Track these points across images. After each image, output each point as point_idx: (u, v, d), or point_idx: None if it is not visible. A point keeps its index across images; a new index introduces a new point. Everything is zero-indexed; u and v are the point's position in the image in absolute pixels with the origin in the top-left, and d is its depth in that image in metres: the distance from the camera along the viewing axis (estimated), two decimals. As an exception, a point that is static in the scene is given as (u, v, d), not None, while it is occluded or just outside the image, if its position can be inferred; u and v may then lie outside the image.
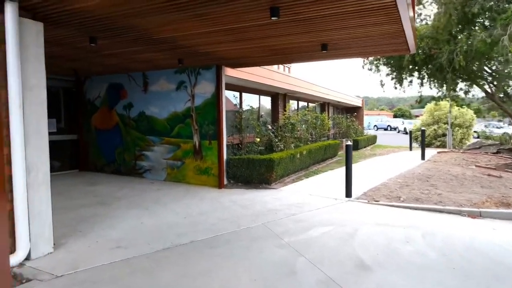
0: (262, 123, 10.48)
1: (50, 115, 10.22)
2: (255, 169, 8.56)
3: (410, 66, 12.56)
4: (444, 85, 12.62)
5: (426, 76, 12.97)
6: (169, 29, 5.19)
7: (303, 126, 11.49)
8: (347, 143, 7.53)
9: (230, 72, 8.69)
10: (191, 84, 8.76)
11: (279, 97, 14.46)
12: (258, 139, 9.89)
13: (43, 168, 4.41)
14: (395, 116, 71.22)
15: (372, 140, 23.78)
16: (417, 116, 74.82)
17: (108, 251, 4.49)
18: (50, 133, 10.09)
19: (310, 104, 17.76)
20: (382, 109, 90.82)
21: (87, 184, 8.68)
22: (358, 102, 25.91)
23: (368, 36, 5.42)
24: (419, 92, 14.04)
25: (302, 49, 6.48)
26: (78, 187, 8.37)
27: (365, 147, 20.97)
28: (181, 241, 4.84)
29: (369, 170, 10.94)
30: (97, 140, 10.49)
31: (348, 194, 7.50)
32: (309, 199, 7.34)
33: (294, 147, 10.73)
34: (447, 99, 14.93)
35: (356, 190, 7.77)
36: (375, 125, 54.91)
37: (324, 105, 21.77)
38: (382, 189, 8.22)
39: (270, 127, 10.69)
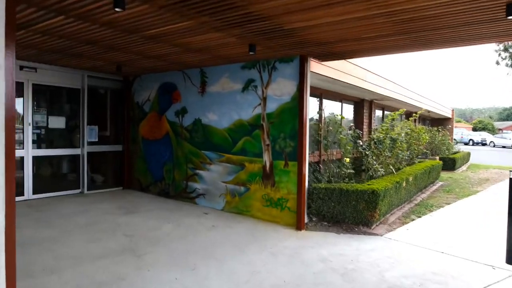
0: (352, 137, 7.85)
1: (91, 122, 8.54)
2: (349, 204, 5.95)
3: None
4: None
5: None
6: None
7: (404, 142, 8.63)
8: (514, 177, 4.62)
9: (313, 68, 6.21)
10: (262, 83, 6.43)
11: (364, 104, 11.68)
12: (347, 160, 7.25)
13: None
14: (474, 129, 63.43)
15: (467, 157, 19.79)
16: (500, 129, 66.13)
17: None
18: (90, 143, 8.38)
19: (387, 113, 14.61)
20: (459, 121, 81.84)
21: (124, 212, 6.68)
22: (448, 113, 22.00)
23: None
24: None
25: (460, 18, 3.80)
26: (112, 216, 6.38)
27: (460, 166, 17.25)
28: None
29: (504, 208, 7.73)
30: (144, 153, 8.60)
31: (512, 258, 4.58)
32: (446, 264, 4.55)
33: (394, 171, 7.91)
34: None
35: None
36: (454, 139, 48.76)
37: (411, 115, 18.39)
38: (560, 250, 5.12)
39: (361, 143, 8.01)
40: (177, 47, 5.50)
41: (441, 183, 11.41)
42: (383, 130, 8.37)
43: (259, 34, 4.66)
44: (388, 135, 8.27)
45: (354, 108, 11.59)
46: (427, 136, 12.43)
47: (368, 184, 6.26)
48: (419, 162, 10.99)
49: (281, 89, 6.20)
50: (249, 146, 6.62)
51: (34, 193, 7.45)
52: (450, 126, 21.16)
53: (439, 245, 5.25)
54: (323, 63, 6.59)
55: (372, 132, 10.43)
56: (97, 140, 8.43)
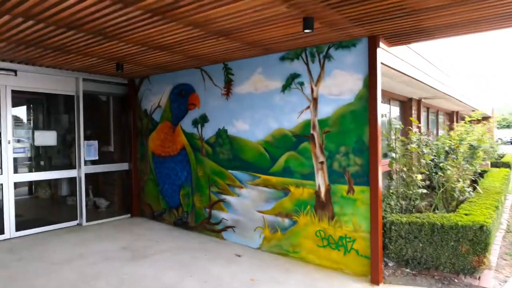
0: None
1: (90, 136, 6.83)
2: (446, 245, 4.18)
3: None
4: None
5: None
6: None
7: (484, 150, 6.81)
8: None
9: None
10: (311, 79, 4.72)
11: (412, 104, 9.86)
12: (419, 177, 5.48)
13: None
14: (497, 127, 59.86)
15: None
16: (526, 126, 62.38)
17: None
18: (89, 163, 6.66)
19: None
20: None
21: (130, 256, 5.01)
22: (489, 111, 19.92)
23: None
24: None
25: None
26: (114, 264, 4.71)
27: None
28: None
29: None
30: (155, 173, 6.95)
31: None
32: None
33: (479, 189, 6.07)
34: None
35: None
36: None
37: (452, 115, 16.43)
38: None
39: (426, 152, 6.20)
40: (194, 28, 3.83)
41: (509, 194, 9.46)
42: (459, 135, 6.54)
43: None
44: (463, 142, 6.44)
45: (401, 109, 9.78)
46: (486, 140, 10.52)
47: (466, 214, 4.48)
48: (482, 170, 9.14)
49: (339, 86, 4.47)
50: (295, 164, 4.90)
51: (17, 229, 5.86)
52: (492, 125, 19.06)
53: None
54: (390, 50, 4.86)
55: (424, 137, 8.62)
56: (97, 158, 6.83)
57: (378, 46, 4.15)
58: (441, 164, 5.94)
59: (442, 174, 5.98)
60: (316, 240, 4.71)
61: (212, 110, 5.89)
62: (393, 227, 4.38)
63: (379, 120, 4.17)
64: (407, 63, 5.86)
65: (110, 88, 7.09)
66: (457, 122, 15.59)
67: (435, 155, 6.29)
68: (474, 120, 8.34)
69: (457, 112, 16.53)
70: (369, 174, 4.21)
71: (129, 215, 7.26)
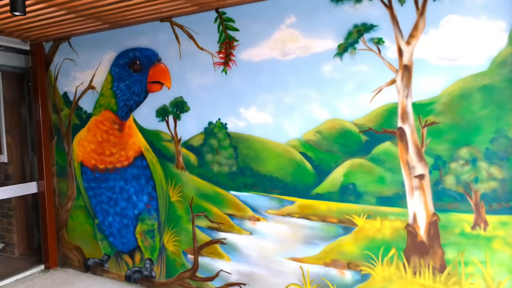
0: None
1: None
2: None
3: None
4: None
5: None
6: None
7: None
8: None
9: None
10: (400, 32, 2.72)
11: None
12: None
13: None
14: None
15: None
16: None
17: None
18: None
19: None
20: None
21: None
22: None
23: None
24: None
25: None
26: None
27: None
28: None
29: None
30: (88, 196, 4.29)
31: None
32: None
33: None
34: None
35: None
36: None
37: None
38: None
39: None
40: None
41: None
42: None
43: None
44: None
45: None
46: None
47: None
48: None
49: (456, 44, 2.58)
50: (365, 180, 2.89)
51: None
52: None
53: None
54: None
55: None
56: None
57: (547, -31, 2.35)
58: None
59: None
60: (410, 307, 2.79)
61: (196, 92, 3.52)
62: (547, 280, 2.67)
63: (548, 101, 2.40)
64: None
65: (5, 57, 4.16)
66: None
67: None
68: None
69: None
70: (530, 197, 2.42)
71: (42, 266, 4.46)
